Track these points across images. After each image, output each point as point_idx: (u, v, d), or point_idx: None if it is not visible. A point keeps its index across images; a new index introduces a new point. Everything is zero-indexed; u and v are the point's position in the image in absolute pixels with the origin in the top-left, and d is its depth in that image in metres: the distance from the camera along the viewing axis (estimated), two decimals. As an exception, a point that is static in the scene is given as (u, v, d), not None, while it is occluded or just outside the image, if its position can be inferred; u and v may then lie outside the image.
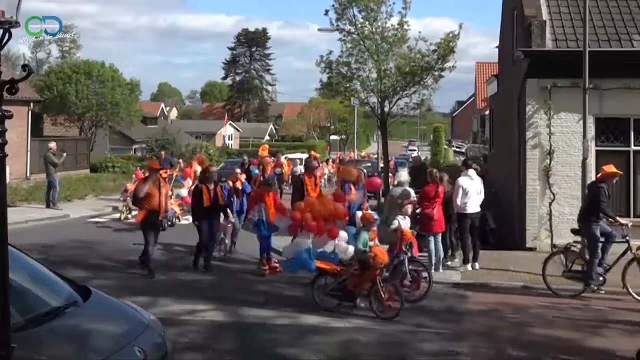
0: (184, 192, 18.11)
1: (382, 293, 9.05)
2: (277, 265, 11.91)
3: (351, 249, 9.53)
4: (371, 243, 9.65)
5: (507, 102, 17.39)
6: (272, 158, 25.31)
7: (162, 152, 25.31)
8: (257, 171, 19.57)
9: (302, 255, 9.57)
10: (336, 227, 9.80)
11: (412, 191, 12.70)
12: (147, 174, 12.60)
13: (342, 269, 9.47)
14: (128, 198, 17.72)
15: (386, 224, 11.73)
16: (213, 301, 9.86)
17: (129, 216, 17.80)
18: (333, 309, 9.32)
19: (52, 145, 21.15)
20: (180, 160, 22.59)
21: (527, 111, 14.16)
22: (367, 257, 9.10)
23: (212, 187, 12.16)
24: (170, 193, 17.28)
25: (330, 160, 42.75)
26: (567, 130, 14.00)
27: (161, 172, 19.48)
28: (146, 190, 11.44)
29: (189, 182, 18.53)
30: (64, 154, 21.54)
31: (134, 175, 20.06)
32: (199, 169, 17.96)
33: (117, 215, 18.74)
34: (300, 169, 28.10)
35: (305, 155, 33.34)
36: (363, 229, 9.72)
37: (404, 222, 10.31)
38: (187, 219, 16.85)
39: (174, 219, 17.21)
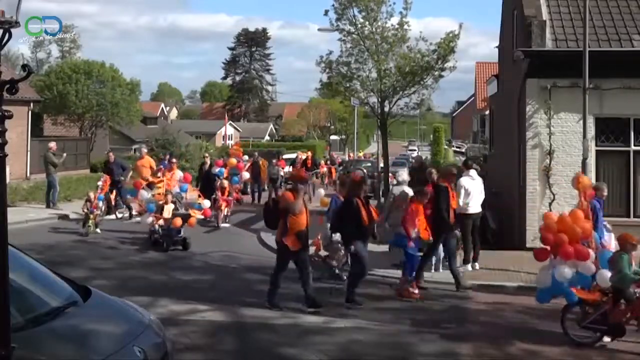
0: (206, 203, 15.92)
1: None
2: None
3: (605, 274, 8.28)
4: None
5: (507, 102, 17.38)
6: (247, 157, 24.25)
7: (111, 155, 19.97)
8: (224, 172, 19.13)
9: (562, 287, 8.31)
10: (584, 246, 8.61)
11: (410, 191, 12.73)
12: (292, 187, 9.89)
13: (605, 298, 8.24)
14: (94, 209, 15.98)
15: (386, 223, 11.76)
16: (213, 301, 9.84)
17: (98, 230, 15.77)
18: (589, 344, 8.17)
19: (52, 145, 21.10)
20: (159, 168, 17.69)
21: (527, 111, 14.16)
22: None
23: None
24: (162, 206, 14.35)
25: (323, 162, 38.31)
26: (567, 130, 14.00)
27: (154, 180, 16.30)
28: (301, 207, 9.39)
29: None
30: (64, 154, 21.50)
31: (99, 183, 17.42)
32: (180, 174, 16.94)
33: (77, 226, 16.34)
34: (278, 169, 25.55)
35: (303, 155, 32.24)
36: (622, 252, 8.10)
37: None
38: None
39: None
